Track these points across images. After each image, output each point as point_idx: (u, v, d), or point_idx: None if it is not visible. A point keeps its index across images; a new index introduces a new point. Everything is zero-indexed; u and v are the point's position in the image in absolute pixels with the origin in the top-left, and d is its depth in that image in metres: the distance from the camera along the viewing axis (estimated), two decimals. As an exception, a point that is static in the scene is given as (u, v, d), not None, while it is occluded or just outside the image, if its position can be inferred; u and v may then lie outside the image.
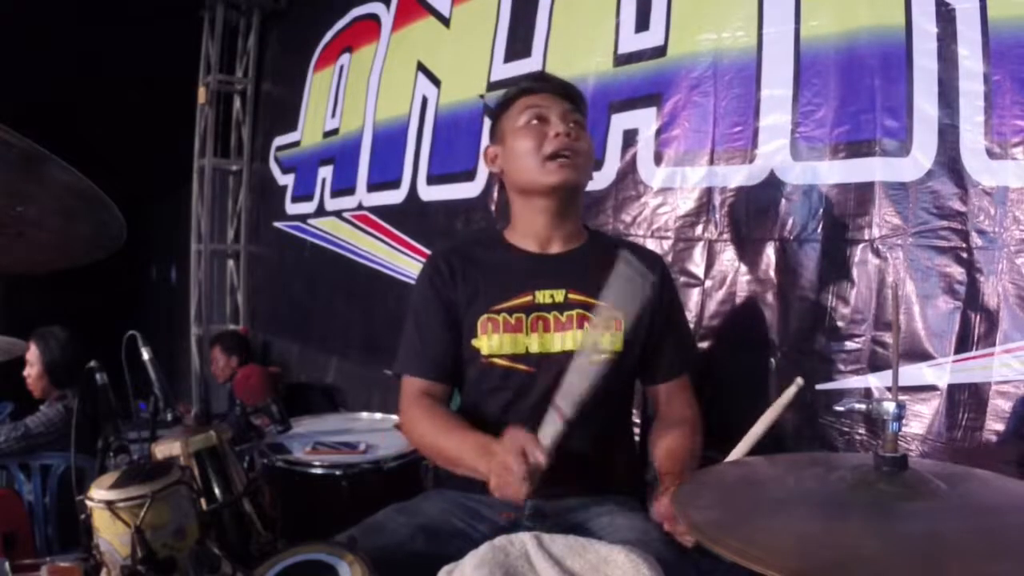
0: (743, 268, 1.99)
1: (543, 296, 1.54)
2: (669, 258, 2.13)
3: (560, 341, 1.52)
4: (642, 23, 2.30)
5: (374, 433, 2.39)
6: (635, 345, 1.56)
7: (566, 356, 1.49)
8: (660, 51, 2.24)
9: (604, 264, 1.56)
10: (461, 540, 1.35)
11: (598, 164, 2.33)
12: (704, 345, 2.02)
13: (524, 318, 1.52)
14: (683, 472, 1.40)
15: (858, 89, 1.77)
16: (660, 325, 1.59)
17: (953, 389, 1.57)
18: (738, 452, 1.30)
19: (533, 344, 1.52)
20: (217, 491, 1.41)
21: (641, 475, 1.68)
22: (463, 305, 1.56)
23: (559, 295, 1.54)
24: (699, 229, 2.10)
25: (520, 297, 1.54)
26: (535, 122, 1.55)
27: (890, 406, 0.94)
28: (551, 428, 1.31)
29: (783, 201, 1.91)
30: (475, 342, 1.54)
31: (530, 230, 1.61)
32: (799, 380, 1.31)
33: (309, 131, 4.52)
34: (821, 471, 0.99)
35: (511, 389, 1.54)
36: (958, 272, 1.58)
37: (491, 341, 1.52)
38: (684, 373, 1.64)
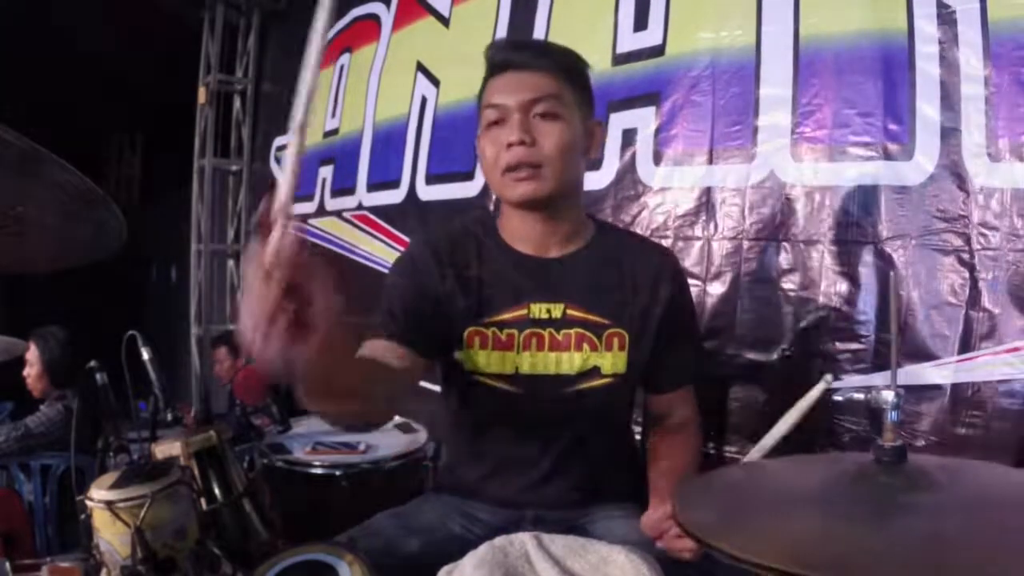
0: (743, 268, 2.00)
1: (539, 310, 1.37)
2: (668, 258, 2.13)
3: (555, 362, 1.38)
4: (640, 22, 2.31)
5: (374, 433, 2.39)
6: (639, 364, 1.42)
7: (560, 379, 1.37)
8: (659, 50, 2.24)
9: (607, 273, 1.41)
10: (459, 544, 1.34)
11: (597, 163, 2.33)
12: (704, 346, 2.03)
13: (516, 334, 1.37)
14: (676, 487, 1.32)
15: (860, 91, 1.78)
16: (668, 336, 1.44)
17: (957, 388, 1.57)
18: (759, 451, 1.25)
19: (524, 364, 1.37)
20: (217, 491, 1.41)
21: (642, 480, 1.64)
22: (447, 303, 1.39)
23: (556, 310, 1.38)
24: (698, 229, 2.10)
25: (514, 311, 1.38)
26: (495, 125, 1.34)
27: (889, 394, 0.92)
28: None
29: (783, 201, 1.91)
30: (460, 355, 1.38)
31: (524, 233, 1.42)
32: (828, 377, 1.25)
33: (309, 131, 4.51)
34: (821, 467, 0.99)
35: (495, 408, 1.41)
36: (961, 274, 1.59)
37: (478, 357, 1.37)
38: (689, 383, 1.52)
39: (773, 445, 1.25)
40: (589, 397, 1.40)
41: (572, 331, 1.37)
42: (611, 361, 1.38)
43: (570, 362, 1.37)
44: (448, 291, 1.39)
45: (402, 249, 3.54)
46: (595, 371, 1.38)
